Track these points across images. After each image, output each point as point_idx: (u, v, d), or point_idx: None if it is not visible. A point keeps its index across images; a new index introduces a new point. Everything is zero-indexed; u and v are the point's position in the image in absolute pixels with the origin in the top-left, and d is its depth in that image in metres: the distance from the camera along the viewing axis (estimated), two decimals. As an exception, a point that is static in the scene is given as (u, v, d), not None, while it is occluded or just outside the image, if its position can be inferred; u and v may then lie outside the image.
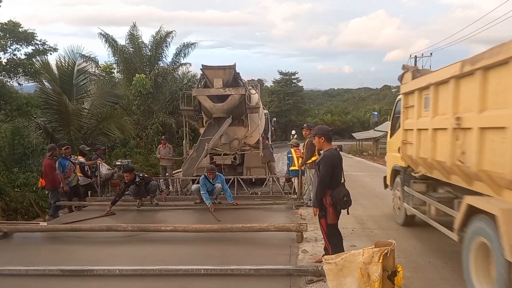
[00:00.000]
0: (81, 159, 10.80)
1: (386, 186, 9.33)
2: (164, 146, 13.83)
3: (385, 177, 9.38)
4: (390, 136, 8.92)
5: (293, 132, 24.25)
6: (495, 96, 4.23)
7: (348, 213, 5.52)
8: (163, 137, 15.11)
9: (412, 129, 6.77)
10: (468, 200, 4.57)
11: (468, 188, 5.05)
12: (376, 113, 12.21)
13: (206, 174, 9.50)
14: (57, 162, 9.78)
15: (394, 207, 8.51)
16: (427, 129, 6.05)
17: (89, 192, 10.82)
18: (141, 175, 9.83)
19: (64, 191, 9.84)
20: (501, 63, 4.07)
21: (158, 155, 14.08)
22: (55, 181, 9.43)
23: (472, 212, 4.49)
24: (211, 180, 9.45)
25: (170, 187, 12.21)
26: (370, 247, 3.78)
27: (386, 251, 3.64)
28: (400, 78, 7.47)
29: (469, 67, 4.65)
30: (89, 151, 11.58)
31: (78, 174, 10.56)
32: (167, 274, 5.32)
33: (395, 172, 8.35)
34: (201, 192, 9.31)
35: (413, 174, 7.12)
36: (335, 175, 5.30)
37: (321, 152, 5.64)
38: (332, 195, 5.21)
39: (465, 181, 5.09)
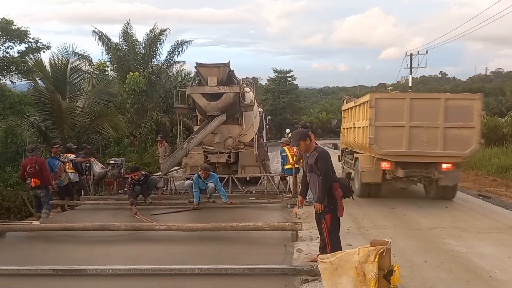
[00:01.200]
0: (71, 156, 10.68)
1: (339, 160, 15.11)
2: (160, 145, 15.09)
3: (339, 155, 15.29)
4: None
5: (288, 130, 24.21)
6: (359, 116, 10.88)
7: (353, 199, 5.72)
8: (159, 137, 15.95)
9: (345, 128, 13.70)
10: (356, 155, 11.32)
11: (361, 152, 11.09)
12: (335, 119, 17.78)
13: (199, 173, 9.48)
14: (46, 162, 9.59)
15: (342, 171, 14.20)
16: (347, 128, 13.04)
17: (82, 190, 10.72)
18: (143, 173, 9.84)
19: (54, 191, 9.72)
20: (357, 105, 11.14)
21: (158, 153, 15.67)
22: (49, 179, 9.31)
23: (356, 159, 11.20)
24: (204, 180, 9.41)
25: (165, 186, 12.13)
26: (365, 246, 3.75)
27: (382, 250, 3.61)
28: (342, 102, 15.43)
29: (355, 104, 11.58)
30: (76, 149, 11.44)
31: (70, 171, 10.44)
32: (160, 274, 5.29)
33: (342, 151, 14.54)
34: (193, 190, 9.42)
35: (347, 150, 13.48)
36: (332, 168, 5.40)
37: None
38: (341, 186, 5.33)
39: (359, 149, 11.33)
